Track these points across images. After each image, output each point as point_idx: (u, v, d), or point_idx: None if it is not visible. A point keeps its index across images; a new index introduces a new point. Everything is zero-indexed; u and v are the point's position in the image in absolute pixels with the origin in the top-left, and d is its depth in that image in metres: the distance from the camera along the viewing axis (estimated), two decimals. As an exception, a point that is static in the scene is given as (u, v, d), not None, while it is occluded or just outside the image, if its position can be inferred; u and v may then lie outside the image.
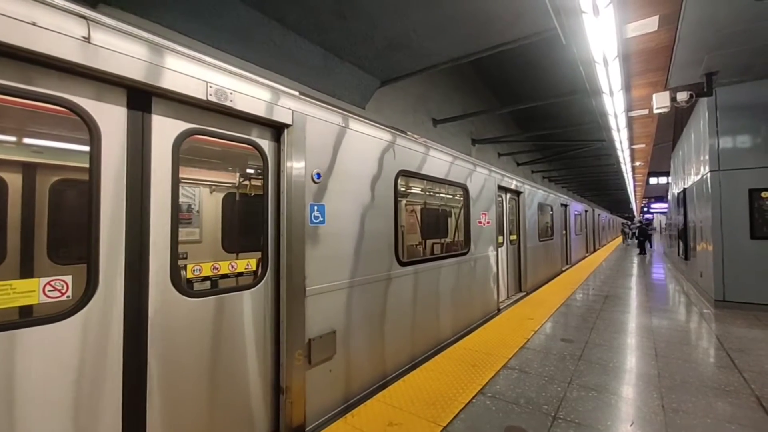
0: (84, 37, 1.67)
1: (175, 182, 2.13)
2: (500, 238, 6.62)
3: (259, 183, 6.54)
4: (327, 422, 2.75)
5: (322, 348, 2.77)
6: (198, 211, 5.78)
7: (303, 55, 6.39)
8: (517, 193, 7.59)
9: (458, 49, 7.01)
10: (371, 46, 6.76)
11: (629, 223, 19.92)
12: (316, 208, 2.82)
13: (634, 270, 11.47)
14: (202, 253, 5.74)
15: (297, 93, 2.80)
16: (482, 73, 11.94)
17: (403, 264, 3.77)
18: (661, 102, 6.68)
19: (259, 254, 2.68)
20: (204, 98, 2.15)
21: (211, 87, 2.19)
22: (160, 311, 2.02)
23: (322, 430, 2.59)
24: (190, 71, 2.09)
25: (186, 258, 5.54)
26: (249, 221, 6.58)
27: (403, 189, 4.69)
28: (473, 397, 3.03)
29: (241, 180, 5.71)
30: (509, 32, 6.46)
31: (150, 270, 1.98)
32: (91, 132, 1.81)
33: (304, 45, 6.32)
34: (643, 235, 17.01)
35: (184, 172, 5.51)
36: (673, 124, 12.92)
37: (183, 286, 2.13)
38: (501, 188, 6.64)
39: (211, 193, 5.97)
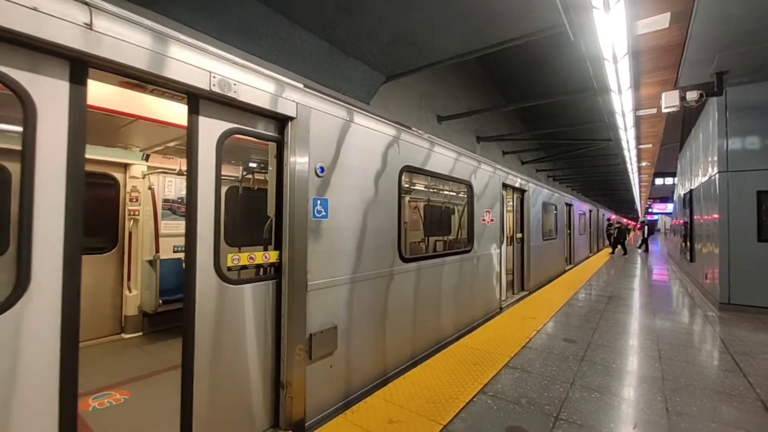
0: (86, 24, 1.64)
1: (218, 175, 2.26)
2: (504, 237, 6.57)
3: (262, 177, 6.49)
4: (327, 418, 2.73)
5: (323, 343, 2.75)
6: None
7: (308, 50, 6.34)
8: (521, 191, 7.53)
9: (464, 45, 6.93)
10: (376, 41, 6.70)
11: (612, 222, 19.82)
12: (319, 202, 2.78)
13: (638, 271, 11.39)
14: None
15: (301, 85, 2.76)
16: (488, 70, 11.83)
17: (405, 260, 3.74)
18: (670, 101, 6.58)
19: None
20: (207, 88, 2.12)
21: (214, 77, 2.15)
22: (204, 296, 2.18)
23: (322, 426, 2.57)
24: (193, 60, 2.06)
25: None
26: (251, 215, 6.58)
27: (406, 185, 4.65)
28: (474, 396, 3.00)
29: (244, 174, 5.69)
30: (516, 28, 6.37)
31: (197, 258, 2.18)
32: None
33: (309, 39, 6.27)
34: (622, 237, 17.17)
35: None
36: (681, 124, 12.78)
37: (224, 273, 2.30)
38: (505, 186, 6.58)
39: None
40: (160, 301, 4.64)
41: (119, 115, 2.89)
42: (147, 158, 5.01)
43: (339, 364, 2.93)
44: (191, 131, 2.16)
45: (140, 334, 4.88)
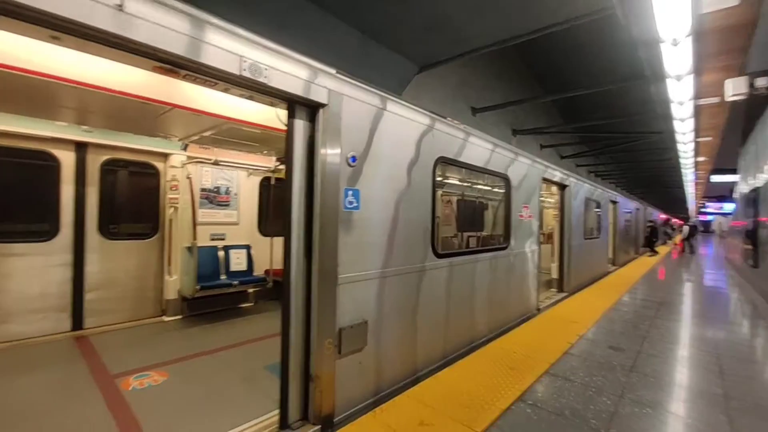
0: (117, 5, 1.61)
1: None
2: (541, 234, 6.21)
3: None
4: (356, 414, 2.65)
5: (352, 338, 2.67)
6: (236, 194, 5.88)
7: (339, 39, 6.25)
8: (561, 185, 7.08)
9: (503, 32, 6.56)
10: (410, 27, 6.48)
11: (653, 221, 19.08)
12: (350, 192, 2.68)
13: (691, 275, 10.49)
14: (239, 236, 5.85)
15: (334, 71, 2.66)
16: (526, 59, 11.24)
17: (439, 256, 3.58)
18: (736, 88, 5.92)
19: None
20: (237, 73, 2.06)
21: (245, 62, 2.09)
22: None
23: (351, 423, 2.49)
24: (222, 44, 2.00)
25: (224, 239, 5.67)
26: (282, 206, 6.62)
27: (440, 177, 4.46)
28: (512, 404, 2.81)
29: (277, 164, 5.72)
30: (560, 12, 5.93)
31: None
32: None
33: (340, 28, 6.17)
34: (654, 236, 17.07)
35: (223, 155, 5.57)
36: (744, 115, 11.56)
37: None
38: (545, 180, 6.20)
39: (248, 176, 6.05)
40: (198, 286, 4.78)
41: (156, 103, 2.93)
42: (185, 148, 5.15)
43: (369, 360, 2.83)
44: None
45: (179, 317, 5.07)
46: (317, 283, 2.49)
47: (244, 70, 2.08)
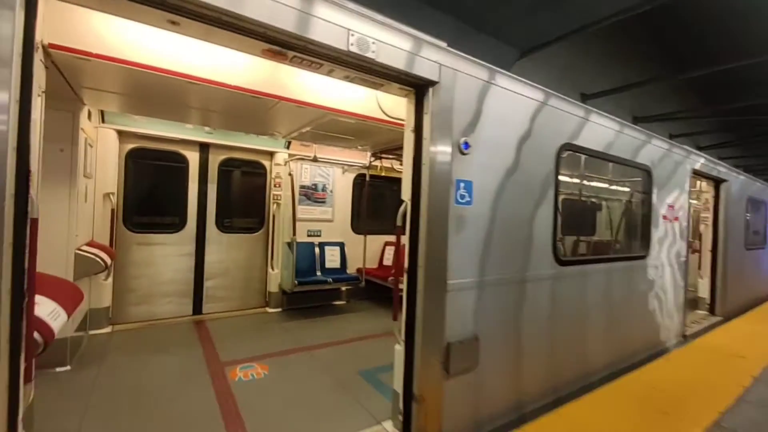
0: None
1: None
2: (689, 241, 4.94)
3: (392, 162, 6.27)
4: (464, 446, 2.26)
5: (462, 356, 2.27)
6: (331, 191, 5.97)
7: (433, 29, 5.88)
8: (717, 181, 5.59)
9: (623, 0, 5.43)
10: (511, 8, 5.79)
11: None
12: (462, 185, 2.29)
13: None
14: (333, 233, 5.94)
15: (444, 44, 2.30)
16: (653, 32, 9.35)
17: (562, 263, 2.96)
18: None
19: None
20: (344, 49, 1.84)
21: (352, 35, 1.86)
22: None
23: (460, 457, 2.11)
24: (330, 17, 1.80)
25: (320, 236, 5.79)
26: (380, 202, 6.54)
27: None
28: (679, 466, 2.10)
29: (372, 159, 5.62)
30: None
31: None
32: None
33: (434, 16, 5.80)
34: None
35: (321, 152, 5.67)
36: None
37: None
38: (696, 173, 4.92)
39: (343, 173, 6.10)
40: (296, 281, 4.91)
41: (265, 97, 2.96)
42: (288, 145, 5.37)
43: (481, 383, 2.41)
44: None
45: (279, 310, 5.30)
46: (423, 290, 2.16)
47: (352, 45, 1.86)
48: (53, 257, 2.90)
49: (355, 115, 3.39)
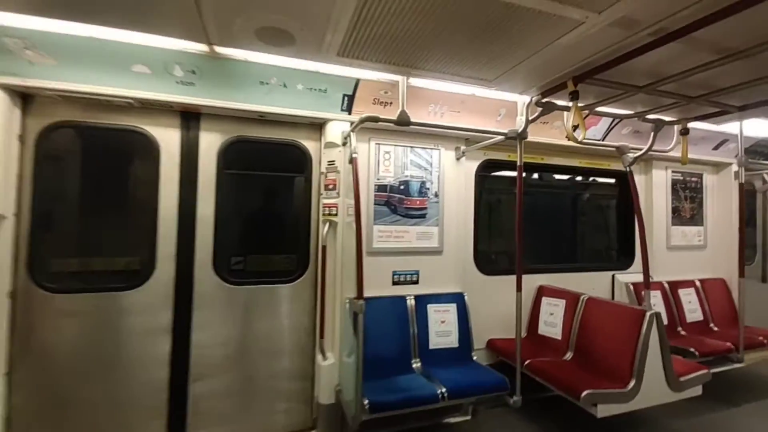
0: None
1: None
2: None
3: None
4: None
5: None
6: (437, 194, 3.06)
7: None
8: None
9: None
10: None
11: None
12: None
13: None
14: (443, 275, 3.06)
15: None
16: None
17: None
18: None
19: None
20: None
21: None
22: None
23: None
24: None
25: (417, 282, 3.04)
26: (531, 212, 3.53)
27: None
28: None
29: (534, 115, 2.49)
30: None
31: None
32: None
33: None
34: None
35: (415, 111, 3.13)
36: None
37: None
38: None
39: (458, 159, 3.08)
40: (366, 401, 2.17)
41: None
42: (349, 107, 2.65)
43: None
44: None
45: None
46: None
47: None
48: None
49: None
